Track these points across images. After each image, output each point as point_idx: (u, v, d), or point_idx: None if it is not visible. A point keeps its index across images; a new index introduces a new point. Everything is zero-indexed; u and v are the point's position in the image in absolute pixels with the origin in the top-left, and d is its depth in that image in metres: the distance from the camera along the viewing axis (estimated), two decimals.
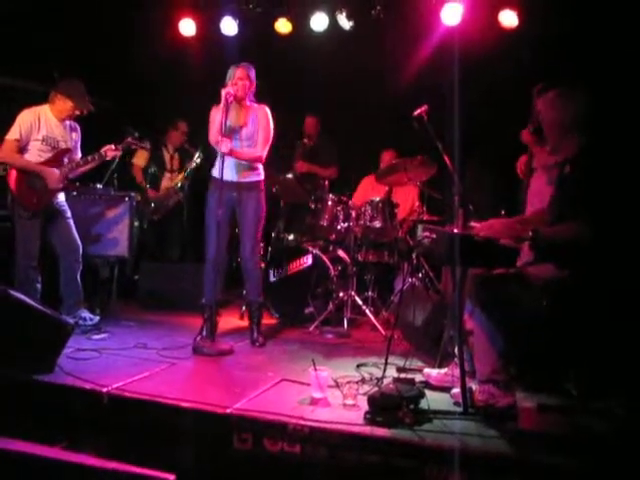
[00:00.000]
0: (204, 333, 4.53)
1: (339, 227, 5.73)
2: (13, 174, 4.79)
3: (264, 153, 4.75)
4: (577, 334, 3.20)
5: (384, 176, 5.76)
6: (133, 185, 6.65)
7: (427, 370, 3.79)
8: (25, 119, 4.76)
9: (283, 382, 3.72)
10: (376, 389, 3.37)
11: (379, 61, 6.55)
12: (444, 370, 3.72)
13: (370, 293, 5.89)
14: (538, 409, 3.31)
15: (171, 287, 5.99)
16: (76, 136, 5.09)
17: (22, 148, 4.77)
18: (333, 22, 6.56)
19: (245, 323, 5.07)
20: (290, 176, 6.31)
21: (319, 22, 6.60)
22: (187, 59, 7.01)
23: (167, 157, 6.82)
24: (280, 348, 4.70)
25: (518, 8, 6.01)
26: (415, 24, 6.35)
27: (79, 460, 2.06)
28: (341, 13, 6.48)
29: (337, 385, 3.51)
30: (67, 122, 4.98)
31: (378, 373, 3.81)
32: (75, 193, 5.59)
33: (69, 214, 5.02)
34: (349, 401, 3.29)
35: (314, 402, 3.34)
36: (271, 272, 5.81)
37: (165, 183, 6.74)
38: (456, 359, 3.45)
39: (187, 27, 6.93)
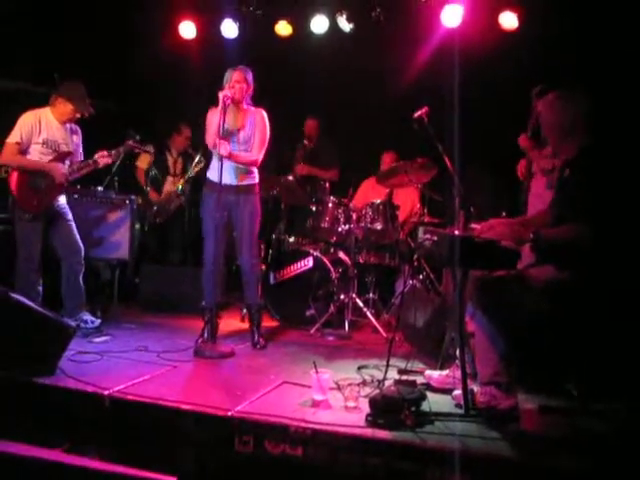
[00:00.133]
0: (205, 336, 4.54)
1: (340, 229, 5.73)
2: (14, 176, 4.78)
3: (260, 157, 4.75)
4: (578, 336, 3.20)
5: (385, 178, 5.76)
6: (137, 188, 6.67)
7: (428, 372, 3.79)
8: (26, 122, 4.76)
9: (284, 384, 3.72)
10: (377, 391, 3.37)
11: (379, 63, 6.55)
12: (445, 372, 3.72)
13: (371, 295, 5.90)
14: (539, 411, 3.31)
15: (172, 290, 5.99)
16: (77, 139, 5.09)
17: (23, 151, 4.77)
18: (333, 24, 6.57)
19: (246, 325, 5.07)
20: (291, 178, 6.31)
21: (319, 24, 6.61)
22: (187, 61, 7.02)
23: (170, 161, 6.85)
24: (281, 350, 4.70)
25: (518, 10, 6.02)
26: (415, 26, 6.36)
27: (81, 463, 2.06)
28: (341, 15, 6.49)
29: (338, 387, 3.51)
30: (68, 125, 4.98)
31: (379, 375, 3.81)
32: (76, 196, 5.60)
33: (70, 216, 5.02)
34: (350, 403, 3.29)
35: (315, 404, 3.34)
36: (272, 274, 5.81)
37: (167, 187, 6.75)
38: (457, 361, 3.45)
39: (187, 30, 6.95)
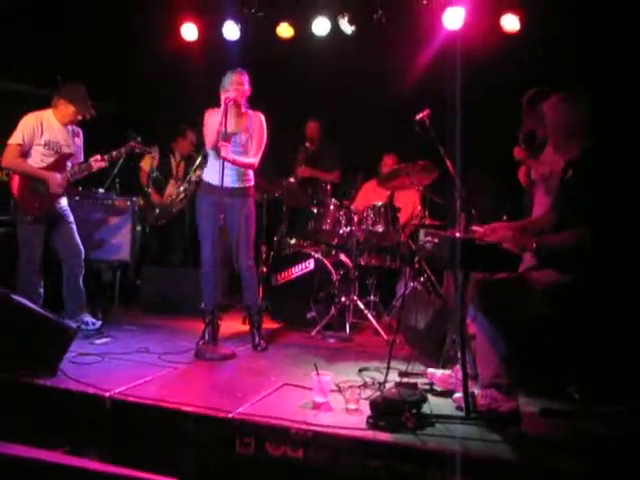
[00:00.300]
0: (206, 338, 4.54)
1: (341, 231, 5.73)
2: (16, 179, 4.80)
3: (257, 160, 4.76)
4: (579, 338, 3.20)
5: (386, 180, 5.76)
6: (139, 189, 6.68)
7: (431, 370, 3.80)
8: (28, 124, 4.77)
9: (285, 386, 3.72)
10: (378, 393, 3.37)
11: (381, 65, 6.56)
12: (448, 371, 3.72)
13: (372, 297, 5.89)
14: (540, 413, 3.31)
15: (173, 292, 5.99)
16: (79, 141, 5.10)
17: (25, 153, 4.78)
18: (335, 26, 6.57)
19: (247, 328, 5.06)
20: (292, 180, 6.32)
21: (321, 26, 6.61)
22: (189, 63, 7.02)
23: (174, 164, 6.87)
24: (282, 352, 4.70)
25: (520, 12, 6.02)
26: (417, 28, 6.37)
27: (81, 465, 2.06)
28: (343, 17, 6.50)
29: (339, 389, 3.51)
30: (70, 126, 4.99)
31: (380, 377, 3.81)
32: (77, 198, 5.60)
33: (71, 218, 5.02)
34: (351, 405, 3.29)
35: (316, 406, 3.34)
36: (273, 276, 5.81)
37: (170, 190, 6.76)
38: (459, 363, 3.45)
39: (189, 32, 6.96)
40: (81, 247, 5.01)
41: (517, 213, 4.66)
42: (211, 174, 4.67)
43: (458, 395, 3.37)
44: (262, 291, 5.67)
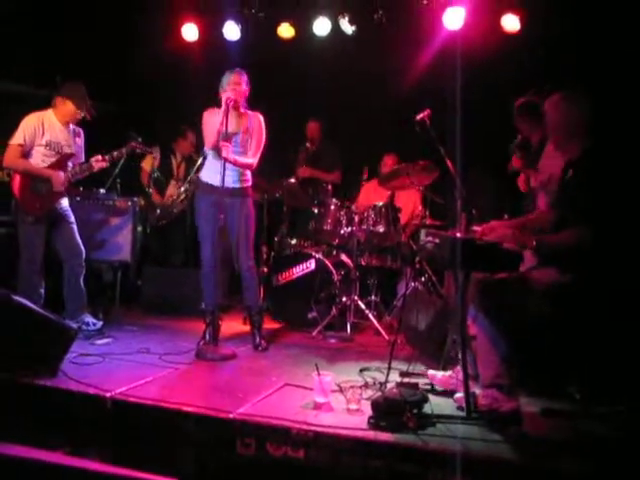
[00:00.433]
0: (207, 338, 4.54)
1: (342, 232, 5.73)
2: (17, 179, 4.80)
3: (256, 161, 4.76)
4: (580, 338, 3.20)
5: (387, 180, 5.76)
6: (140, 189, 6.68)
7: (432, 372, 3.79)
8: (29, 124, 4.77)
9: (286, 387, 3.72)
10: (379, 394, 3.36)
11: (381, 65, 6.56)
12: (449, 372, 3.72)
13: (373, 297, 5.89)
14: (541, 413, 3.31)
15: (174, 292, 5.99)
16: (80, 141, 5.11)
17: (26, 153, 4.78)
18: (335, 27, 6.57)
19: (248, 328, 5.06)
20: (293, 181, 6.32)
21: (321, 27, 6.61)
22: (189, 64, 7.02)
23: (174, 165, 6.87)
24: (283, 353, 4.70)
25: (520, 12, 6.02)
26: (417, 28, 6.37)
27: (82, 465, 2.06)
28: (343, 18, 6.50)
29: (340, 390, 3.50)
30: (71, 127, 4.99)
31: (381, 378, 3.80)
32: (78, 198, 5.60)
33: (72, 219, 5.03)
34: (352, 406, 3.29)
35: (317, 407, 3.34)
36: (274, 277, 5.81)
37: (170, 190, 6.76)
38: (459, 364, 3.45)
39: (190, 32, 6.96)
40: (82, 247, 5.02)
41: (517, 213, 4.66)
42: (210, 174, 4.67)
43: (459, 395, 3.37)
44: (263, 291, 5.66)
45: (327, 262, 5.62)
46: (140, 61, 6.82)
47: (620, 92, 5.27)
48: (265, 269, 6.01)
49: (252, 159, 4.73)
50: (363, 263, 5.87)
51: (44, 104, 4.94)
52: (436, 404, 3.29)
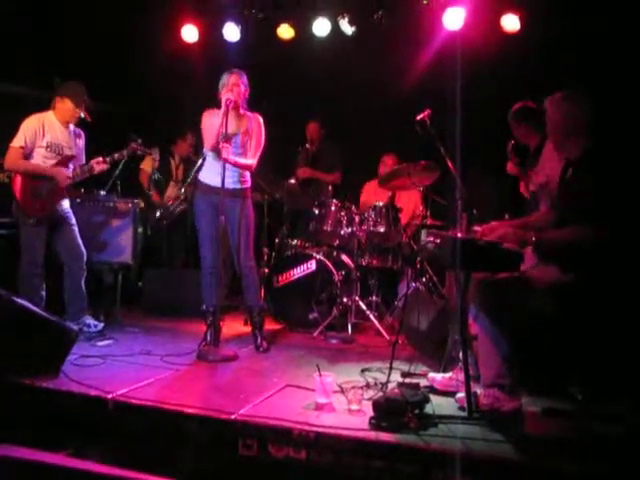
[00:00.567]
0: (208, 339, 4.54)
1: (343, 232, 5.73)
2: (18, 181, 4.80)
3: (255, 162, 4.77)
4: (581, 337, 3.19)
5: (387, 181, 5.76)
6: (140, 190, 6.69)
7: (432, 374, 3.79)
8: (29, 126, 4.77)
9: (288, 388, 3.72)
10: (381, 394, 3.36)
11: (381, 66, 6.56)
12: (449, 374, 3.72)
13: (374, 298, 5.90)
14: (543, 413, 3.31)
15: (175, 294, 5.99)
16: (81, 142, 5.11)
17: (27, 155, 4.78)
18: (335, 27, 6.57)
19: (249, 329, 5.06)
20: (293, 181, 6.31)
21: (321, 27, 6.60)
22: (189, 64, 7.02)
23: (173, 166, 6.89)
24: (284, 354, 4.70)
25: (520, 12, 6.02)
26: (417, 29, 6.37)
27: (84, 467, 2.06)
28: (343, 18, 6.49)
29: (342, 390, 3.51)
30: (72, 128, 5.00)
31: (383, 378, 3.80)
32: (79, 200, 5.60)
33: (73, 221, 5.03)
34: (354, 406, 3.29)
35: (319, 407, 3.34)
36: (275, 278, 5.81)
37: (170, 192, 6.77)
38: (460, 364, 3.45)
39: (190, 33, 6.95)
40: (83, 250, 5.02)
41: (518, 212, 4.66)
42: (210, 175, 4.68)
43: (460, 395, 3.37)
44: (264, 292, 5.66)
45: (328, 263, 5.62)
46: (140, 62, 6.82)
47: (620, 92, 5.27)
48: (266, 270, 6.01)
49: (252, 160, 4.73)
50: (364, 263, 5.87)
51: (44, 106, 4.94)
52: (437, 404, 3.29)
